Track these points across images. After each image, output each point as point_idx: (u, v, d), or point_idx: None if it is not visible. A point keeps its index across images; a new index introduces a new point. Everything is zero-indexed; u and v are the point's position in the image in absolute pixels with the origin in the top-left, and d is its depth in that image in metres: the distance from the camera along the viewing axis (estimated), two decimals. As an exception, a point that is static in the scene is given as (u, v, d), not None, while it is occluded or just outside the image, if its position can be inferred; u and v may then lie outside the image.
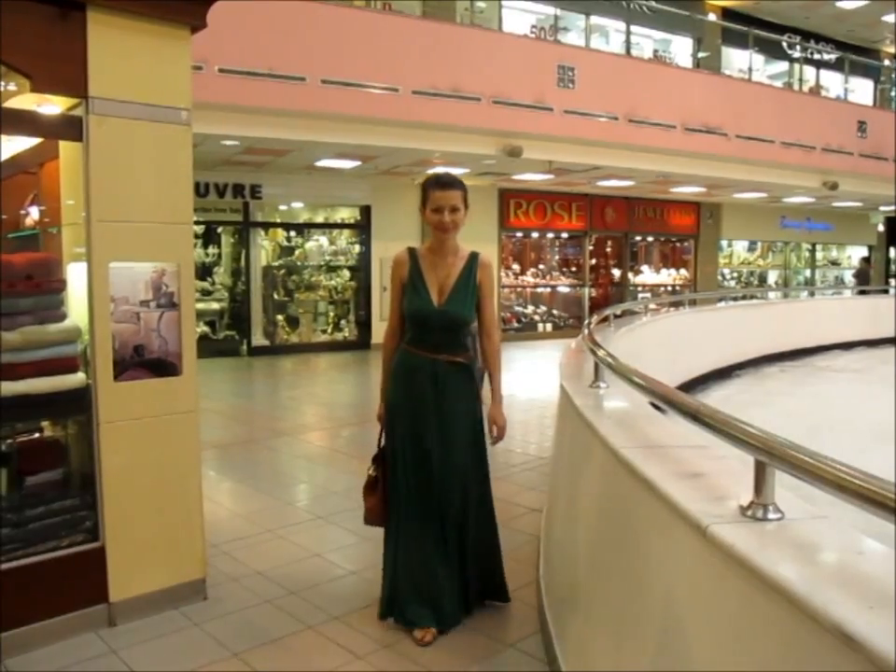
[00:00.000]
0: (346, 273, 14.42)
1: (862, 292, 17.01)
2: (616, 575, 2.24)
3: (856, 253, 21.65)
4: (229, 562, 3.97)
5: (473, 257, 3.24)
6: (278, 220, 14.23)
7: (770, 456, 1.54)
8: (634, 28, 14.60)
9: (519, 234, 16.70)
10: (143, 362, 3.28)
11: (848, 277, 21.19)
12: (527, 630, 3.21)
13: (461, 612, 3.25)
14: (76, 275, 3.37)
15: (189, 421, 3.47)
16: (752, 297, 16.83)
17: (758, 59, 16.56)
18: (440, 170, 12.57)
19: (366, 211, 14.06)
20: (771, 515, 1.55)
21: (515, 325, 16.27)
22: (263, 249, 13.72)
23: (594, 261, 17.59)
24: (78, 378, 3.27)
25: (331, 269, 14.36)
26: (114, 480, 3.23)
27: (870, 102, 18.33)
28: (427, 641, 3.08)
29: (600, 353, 3.30)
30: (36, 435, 3.61)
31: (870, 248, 22.40)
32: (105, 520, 3.22)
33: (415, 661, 2.98)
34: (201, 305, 12.43)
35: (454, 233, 3.17)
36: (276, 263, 13.96)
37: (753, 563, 1.35)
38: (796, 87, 17.12)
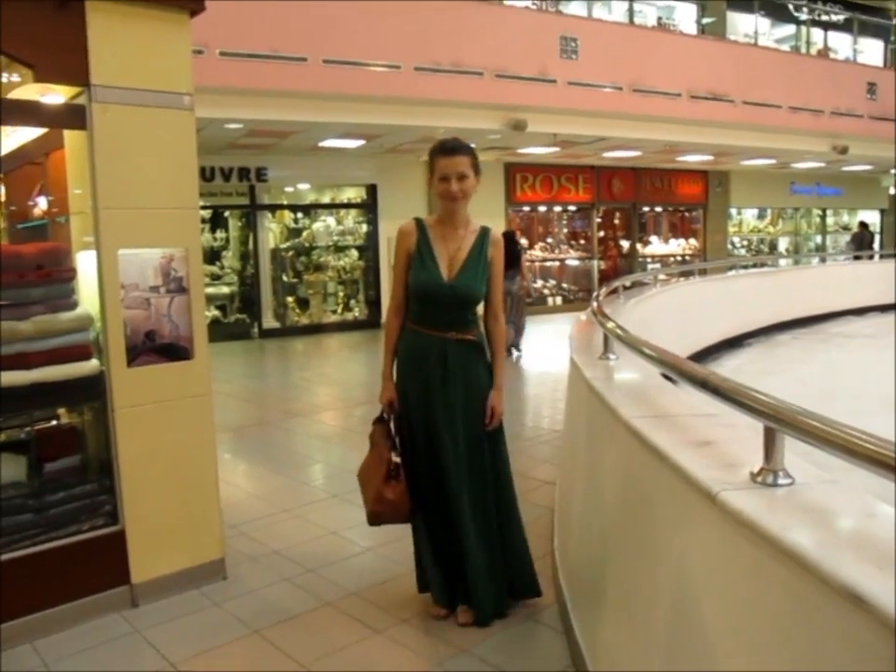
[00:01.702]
0: (354, 253, 14.41)
1: (857, 258, 16.80)
2: (628, 544, 2.26)
3: (867, 218, 21.42)
4: (247, 542, 4.02)
5: (485, 232, 3.09)
6: (285, 202, 14.21)
7: (779, 422, 1.54)
8: (637, -4, 14.41)
9: (526, 208, 16.62)
10: (155, 347, 3.31)
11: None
12: (544, 601, 3.24)
13: (500, 601, 3.13)
14: (85, 264, 3.39)
15: (203, 404, 3.50)
16: (763, 265, 16.73)
17: (764, 23, 16.34)
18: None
19: (372, 190, 14.03)
20: (781, 481, 1.56)
21: (525, 299, 16.20)
22: (271, 232, 13.73)
23: (602, 233, 17.52)
24: (92, 365, 3.30)
25: (339, 249, 14.35)
26: (131, 464, 3.27)
27: (880, 63, 18.08)
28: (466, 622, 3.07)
29: (609, 325, 3.30)
30: (53, 422, 3.66)
31: (882, 212, 22.19)
32: (123, 503, 3.27)
33: (433, 633, 3.03)
34: (211, 290, 12.47)
35: (463, 203, 2.99)
36: (284, 245, 13.97)
37: (763, 528, 1.36)
38: (804, 50, 16.89)
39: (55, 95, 3.33)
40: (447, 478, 3.01)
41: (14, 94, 3.53)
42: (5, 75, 3.56)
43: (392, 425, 3.13)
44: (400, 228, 3.10)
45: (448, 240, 3.03)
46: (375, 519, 3.12)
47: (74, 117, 3.14)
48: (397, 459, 3.05)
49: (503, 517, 3.13)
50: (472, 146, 3.07)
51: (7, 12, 2.85)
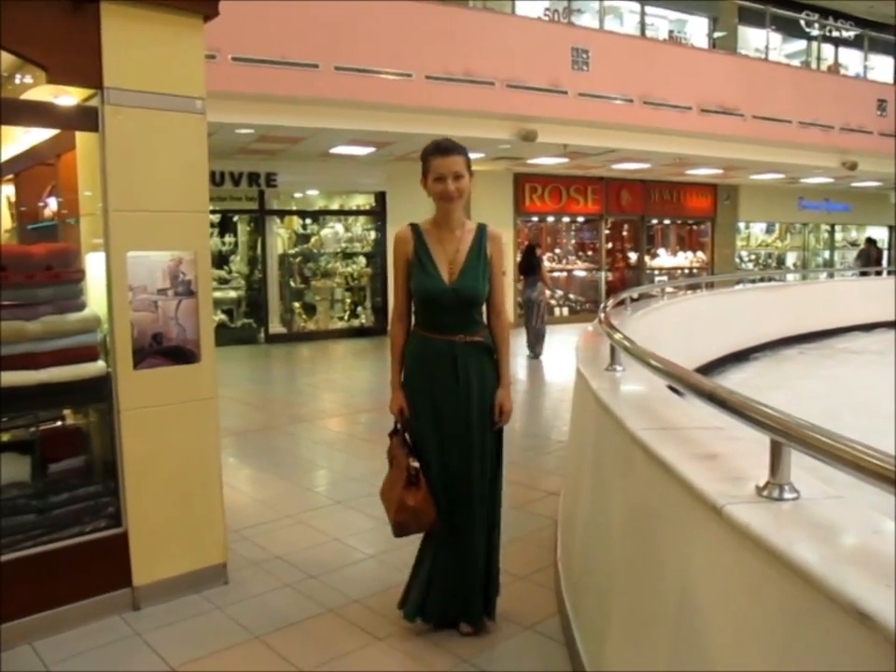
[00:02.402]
0: (362, 260, 14.44)
1: (864, 274, 16.75)
2: (632, 556, 2.25)
3: (876, 234, 21.38)
4: (249, 546, 4.01)
5: (482, 229, 3.06)
6: (294, 208, 14.26)
7: (786, 436, 1.54)
8: (648, 9, 14.43)
9: (535, 219, 16.62)
10: (162, 350, 3.32)
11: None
12: (546, 612, 3.24)
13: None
14: (94, 265, 3.41)
15: (209, 408, 3.50)
16: (770, 279, 16.69)
17: (775, 37, 16.36)
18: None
19: (381, 197, 14.05)
20: (787, 495, 1.55)
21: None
22: (279, 237, 13.78)
23: (610, 245, 17.52)
24: (99, 366, 3.31)
25: (347, 256, 14.38)
26: (135, 466, 3.27)
27: (890, 79, 18.05)
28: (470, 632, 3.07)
29: (616, 336, 3.29)
30: (59, 423, 3.66)
31: (890, 228, 22.14)
32: (127, 506, 3.27)
33: (434, 642, 3.01)
34: (218, 294, 12.50)
35: (459, 203, 2.99)
36: (292, 251, 14.00)
37: (769, 542, 1.35)
38: (814, 65, 16.89)
39: (68, 97, 3.35)
40: (458, 483, 2.98)
41: (27, 95, 3.56)
42: (18, 75, 3.59)
43: (407, 433, 3.09)
44: (397, 235, 3.08)
45: (445, 242, 3.01)
46: (400, 529, 3.04)
47: (86, 119, 3.15)
48: (415, 464, 2.97)
49: (491, 532, 3.09)
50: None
51: (21, 14, 2.88)
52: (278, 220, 13.77)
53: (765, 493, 1.57)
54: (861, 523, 1.46)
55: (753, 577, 1.43)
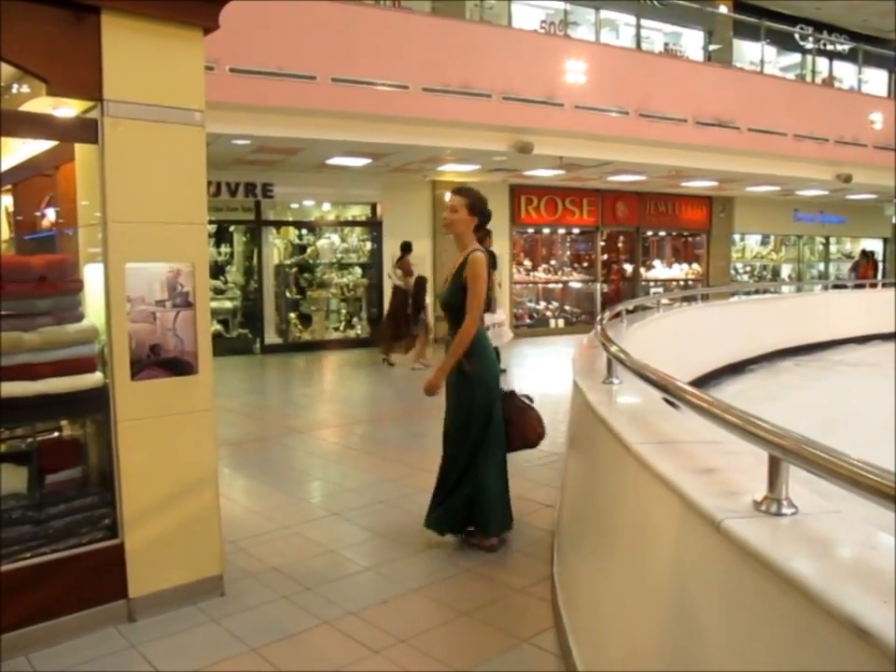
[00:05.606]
0: (358, 271, 14.46)
1: (859, 286, 16.80)
2: (630, 570, 2.25)
3: (871, 247, 21.47)
4: (245, 558, 4.00)
5: (468, 254, 3.95)
6: (290, 219, 14.26)
7: (783, 451, 1.55)
8: (644, 22, 14.53)
9: (530, 230, 16.68)
10: (159, 361, 3.32)
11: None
12: (542, 625, 3.23)
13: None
14: (92, 276, 3.40)
15: (206, 419, 3.49)
16: (765, 291, 16.74)
17: (770, 51, 16.48)
18: (451, 167, 12.61)
19: (377, 208, 14.09)
20: (785, 510, 1.56)
21: (527, 321, 16.27)
22: (275, 247, 13.77)
23: (605, 257, 17.57)
24: (96, 377, 3.31)
25: (343, 266, 14.39)
26: (132, 477, 3.27)
27: (884, 93, 18.19)
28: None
29: (613, 349, 3.30)
30: (56, 434, 3.65)
31: (885, 241, 22.24)
32: (123, 517, 3.26)
33: (430, 655, 3.01)
34: (214, 304, 12.46)
35: (452, 231, 4.07)
36: (288, 261, 14.00)
37: (767, 557, 1.36)
38: (809, 79, 17.01)
39: (67, 108, 3.36)
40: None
41: (26, 107, 3.57)
42: (14, 86, 3.60)
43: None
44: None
45: (453, 262, 4.10)
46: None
47: (85, 130, 3.16)
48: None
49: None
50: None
51: (22, 25, 2.89)
52: (274, 231, 13.78)
53: (763, 507, 1.58)
54: (858, 538, 1.47)
55: (751, 592, 1.44)
